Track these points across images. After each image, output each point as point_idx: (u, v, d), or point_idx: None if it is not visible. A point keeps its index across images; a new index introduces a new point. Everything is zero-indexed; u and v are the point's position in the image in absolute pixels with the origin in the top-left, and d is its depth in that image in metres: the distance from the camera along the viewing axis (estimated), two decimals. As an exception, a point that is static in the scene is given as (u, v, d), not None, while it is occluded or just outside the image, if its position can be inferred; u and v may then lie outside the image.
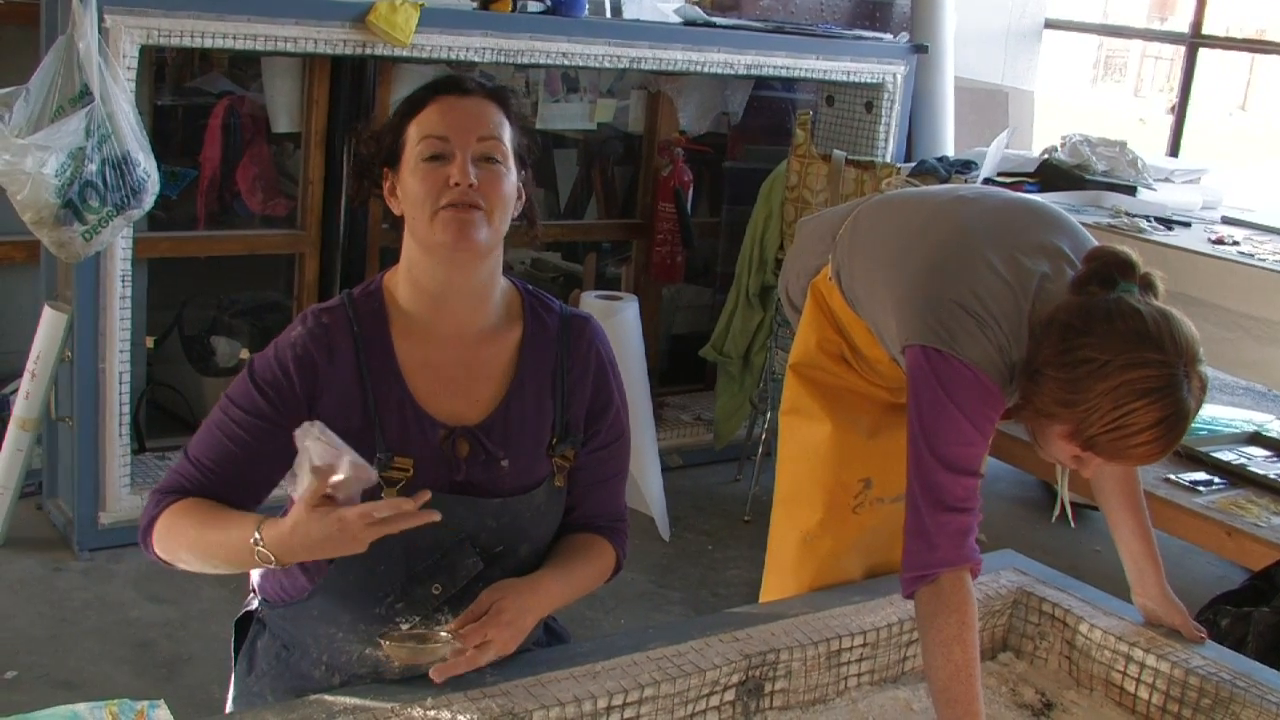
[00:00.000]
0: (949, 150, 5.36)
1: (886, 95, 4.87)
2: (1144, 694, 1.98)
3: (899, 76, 4.87)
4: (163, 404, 4.42)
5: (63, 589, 3.55)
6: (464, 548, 1.67)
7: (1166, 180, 4.74)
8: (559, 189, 5.44)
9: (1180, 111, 6.03)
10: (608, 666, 1.75)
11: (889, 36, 5.13)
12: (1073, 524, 2.41)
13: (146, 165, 3.44)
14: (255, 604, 1.84)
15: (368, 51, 3.79)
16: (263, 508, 1.66)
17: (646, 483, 4.20)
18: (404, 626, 1.68)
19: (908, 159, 5.04)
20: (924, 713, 1.91)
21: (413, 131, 1.66)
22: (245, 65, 4.53)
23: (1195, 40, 5.93)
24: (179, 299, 4.49)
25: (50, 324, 3.65)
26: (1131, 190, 4.52)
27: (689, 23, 4.47)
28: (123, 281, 3.61)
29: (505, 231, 1.68)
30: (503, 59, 4.01)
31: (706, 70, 4.49)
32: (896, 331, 1.91)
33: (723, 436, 4.89)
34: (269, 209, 4.43)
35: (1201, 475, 3.88)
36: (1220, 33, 6.92)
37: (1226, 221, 4.56)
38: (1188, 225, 4.41)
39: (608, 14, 4.37)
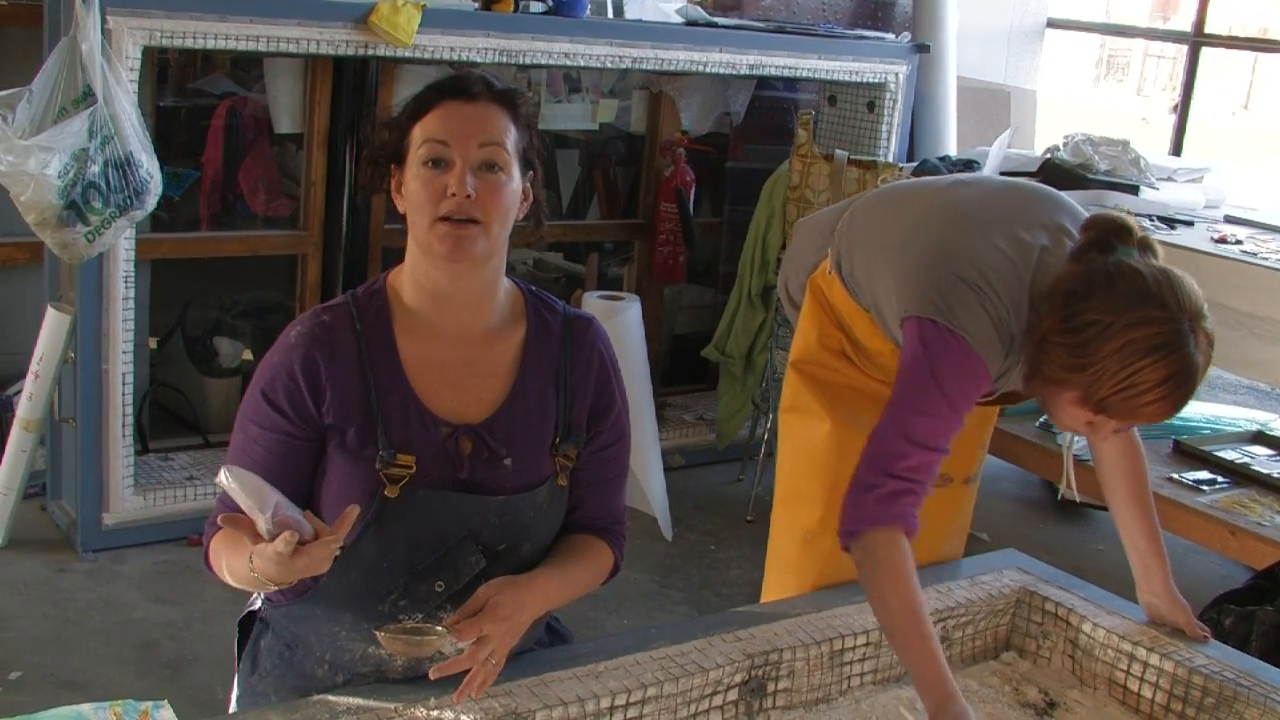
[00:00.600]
0: (951, 150, 5.36)
1: (888, 95, 4.87)
2: (1147, 693, 1.97)
3: (901, 76, 4.87)
4: (165, 405, 4.42)
5: (66, 590, 3.55)
6: (467, 545, 1.67)
7: (1169, 179, 4.74)
8: (561, 189, 5.43)
9: (1183, 110, 6.04)
10: (610, 666, 1.75)
11: (891, 36, 5.13)
12: (1076, 498, 2.42)
13: (149, 166, 3.45)
14: (258, 603, 1.84)
15: (370, 52, 3.79)
16: None
17: (649, 483, 4.20)
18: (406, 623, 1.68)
19: (910, 159, 5.04)
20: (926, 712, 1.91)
21: (416, 133, 1.66)
22: (247, 66, 4.53)
23: (1198, 39, 5.93)
24: (181, 300, 4.49)
25: (53, 325, 3.65)
26: (1134, 190, 4.51)
27: (691, 23, 4.47)
28: (125, 282, 3.61)
29: (506, 238, 1.68)
30: (505, 59, 4.00)
31: (708, 70, 4.49)
32: (897, 307, 1.92)
33: (725, 436, 4.90)
34: (271, 210, 4.43)
35: (1205, 474, 3.88)
36: (1223, 32, 6.92)
37: (1229, 220, 4.56)
38: (1190, 224, 4.41)
39: (610, 14, 4.38)
